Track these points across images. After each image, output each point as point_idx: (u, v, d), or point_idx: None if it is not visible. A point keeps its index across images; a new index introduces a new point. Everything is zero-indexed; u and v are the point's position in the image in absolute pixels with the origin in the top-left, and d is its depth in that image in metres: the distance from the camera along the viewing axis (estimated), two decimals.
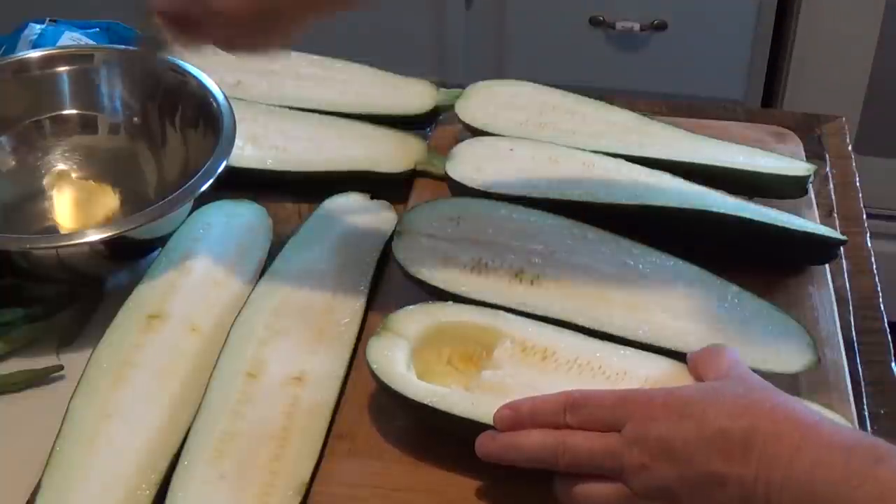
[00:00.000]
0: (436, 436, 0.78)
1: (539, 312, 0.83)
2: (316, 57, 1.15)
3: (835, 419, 0.71)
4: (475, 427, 0.73)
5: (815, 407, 0.73)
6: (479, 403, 0.75)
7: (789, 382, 0.81)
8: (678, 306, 0.85)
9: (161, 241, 0.93)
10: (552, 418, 0.71)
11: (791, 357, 0.81)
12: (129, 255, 0.95)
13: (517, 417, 0.72)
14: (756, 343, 0.82)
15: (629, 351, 0.80)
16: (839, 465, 0.61)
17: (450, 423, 0.76)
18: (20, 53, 1.07)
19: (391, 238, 0.92)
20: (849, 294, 0.94)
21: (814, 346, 0.82)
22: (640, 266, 0.88)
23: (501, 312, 0.82)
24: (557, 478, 0.72)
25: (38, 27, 1.18)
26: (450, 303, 0.82)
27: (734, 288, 0.86)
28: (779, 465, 0.63)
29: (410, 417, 0.80)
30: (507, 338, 0.80)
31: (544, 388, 0.75)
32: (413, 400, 0.76)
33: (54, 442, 0.78)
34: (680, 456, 0.66)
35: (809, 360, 0.81)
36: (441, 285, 0.85)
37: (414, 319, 0.81)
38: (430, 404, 0.76)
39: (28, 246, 0.88)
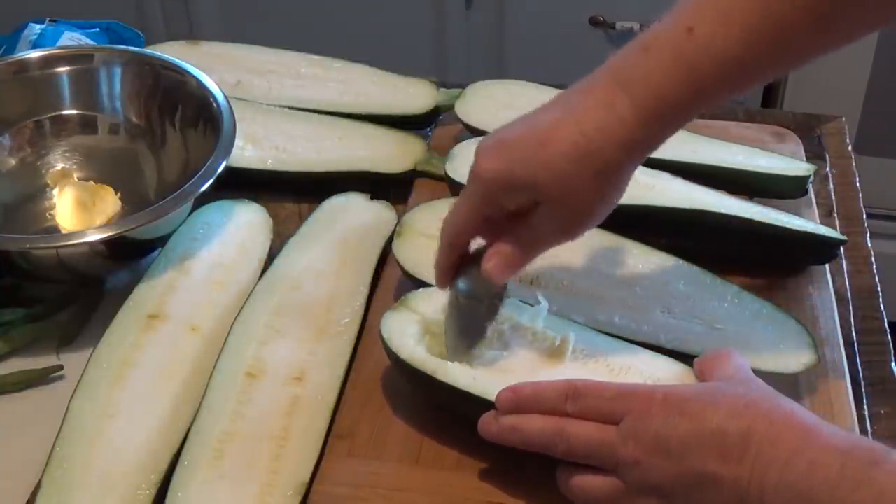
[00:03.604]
0: (442, 415, 0.79)
1: None
2: (316, 57, 1.15)
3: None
4: (476, 402, 0.74)
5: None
6: (480, 379, 0.76)
7: (789, 382, 0.81)
8: (678, 306, 0.85)
9: (161, 241, 0.93)
10: (553, 405, 0.71)
11: (791, 357, 0.81)
12: (129, 255, 0.95)
13: (518, 400, 0.72)
14: (756, 343, 0.82)
15: (637, 349, 0.80)
16: (835, 467, 0.61)
17: (453, 397, 0.76)
18: (20, 53, 1.07)
19: (391, 238, 0.92)
20: (849, 294, 0.94)
21: (814, 346, 0.82)
22: (640, 266, 0.88)
23: (519, 303, 0.82)
24: (559, 467, 0.72)
25: (38, 27, 1.18)
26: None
27: (734, 288, 0.86)
28: (775, 466, 0.63)
29: (419, 392, 0.80)
30: (518, 323, 0.80)
31: (547, 375, 0.76)
32: (419, 371, 0.77)
33: (54, 442, 0.78)
34: (675, 454, 0.66)
35: (809, 360, 0.81)
36: None
37: (431, 299, 0.81)
38: (432, 375, 0.76)
39: (28, 246, 0.88)
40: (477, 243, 0.77)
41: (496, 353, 0.79)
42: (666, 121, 0.69)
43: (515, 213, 0.73)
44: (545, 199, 0.71)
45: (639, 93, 0.68)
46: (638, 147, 0.70)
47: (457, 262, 0.77)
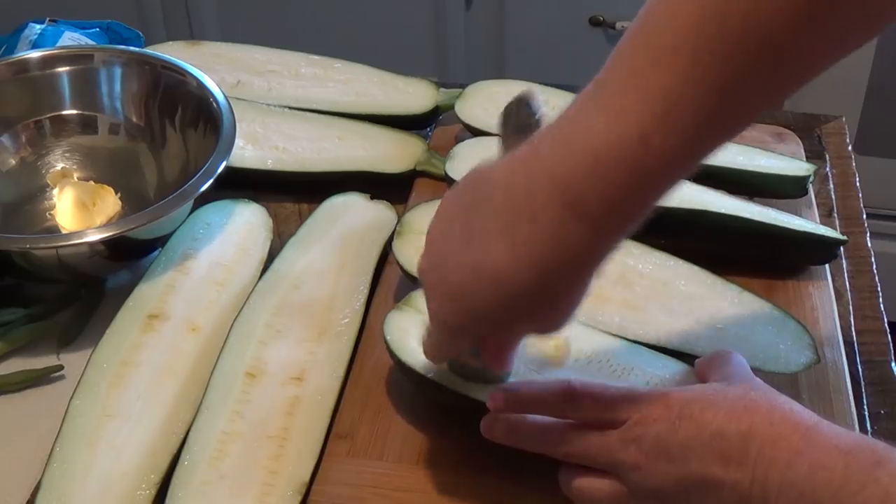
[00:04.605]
0: (443, 415, 0.79)
1: None
2: (316, 57, 1.15)
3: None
4: (478, 403, 0.74)
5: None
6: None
7: (789, 382, 0.81)
8: (679, 307, 0.85)
9: (161, 241, 0.93)
10: (550, 406, 0.71)
11: (791, 357, 0.81)
12: (129, 255, 0.95)
13: (510, 401, 0.72)
14: (756, 343, 0.82)
15: (639, 349, 0.80)
16: (839, 468, 0.60)
17: (455, 398, 0.76)
18: (20, 53, 1.07)
19: (391, 238, 0.92)
20: (849, 294, 0.94)
21: (814, 346, 0.82)
22: (640, 266, 0.88)
23: None
24: (561, 468, 0.72)
25: (38, 27, 1.18)
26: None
27: (735, 288, 0.86)
28: (776, 468, 0.62)
29: (420, 392, 0.81)
30: None
31: (549, 375, 0.76)
32: (420, 374, 0.77)
33: (54, 442, 0.78)
34: (676, 457, 0.66)
35: (809, 360, 0.81)
36: None
37: None
38: (434, 379, 0.77)
39: (28, 246, 0.88)
40: None
41: None
42: (623, 233, 0.63)
43: None
44: (514, 323, 0.68)
45: (594, 215, 0.60)
46: (595, 263, 0.64)
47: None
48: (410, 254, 0.88)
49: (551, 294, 0.64)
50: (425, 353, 0.75)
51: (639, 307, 0.85)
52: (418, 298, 0.82)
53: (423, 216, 0.91)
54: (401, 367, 0.79)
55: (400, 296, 0.87)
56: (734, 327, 0.84)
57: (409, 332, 0.79)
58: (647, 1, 0.59)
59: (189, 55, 1.10)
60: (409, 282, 0.88)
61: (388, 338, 0.79)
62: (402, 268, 0.89)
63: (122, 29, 1.22)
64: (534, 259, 0.61)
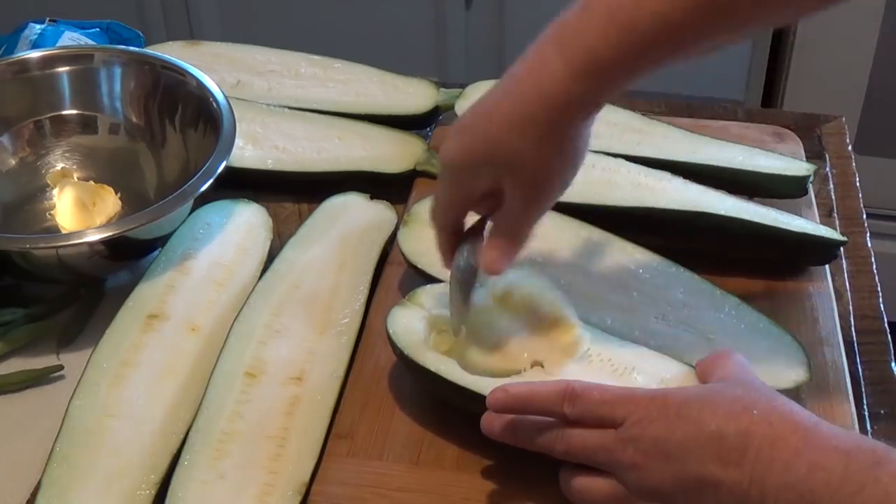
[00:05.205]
0: (443, 414, 0.79)
1: None
2: (316, 57, 1.15)
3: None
4: (481, 400, 0.74)
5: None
6: (486, 378, 0.76)
7: None
8: (673, 314, 0.85)
9: (161, 241, 0.93)
10: (549, 407, 0.71)
11: (783, 373, 0.80)
12: (129, 255, 0.95)
13: (510, 402, 0.72)
14: (749, 357, 0.80)
15: (642, 350, 0.80)
16: (838, 469, 0.60)
17: (457, 394, 0.76)
18: (20, 53, 1.07)
19: (391, 238, 0.92)
20: (849, 294, 0.94)
21: (807, 364, 0.80)
22: (640, 270, 0.88)
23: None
24: (562, 468, 0.72)
25: (38, 27, 1.18)
26: (477, 285, 0.82)
27: (733, 299, 0.85)
28: (775, 469, 0.62)
29: (423, 387, 0.81)
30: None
31: (553, 372, 0.76)
32: (424, 368, 0.77)
33: (54, 442, 0.78)
34: (674, 457, 0.66)
35: (800, 377, 0.80)
36: (443, 276, 0.85)
37: (438, 295, 0.82)
38: (436, 371, 0.77)
39: (28, 246, 0.88)
40: (472, 220, 0.79)
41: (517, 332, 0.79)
42: (602, 78, 0.68)
43: (492, 196, 0.75)
44: (502, 173, 0.73)
45: (571, 51, 0.68)
46: (575, 105, 0.70)
47: (454, 242, 0.79)
48: (415, 244, 0.88)
49: (525, 135, 0.70)
50: (432, 216, 0.78)
51: (633, 311, 0.85)
52: (422, 295, 0.82)
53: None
54: (403, 360, 0.79)
55: (401, 296, 0.87)
56: (728, 339, 0.82)
57: (412, 327, 0.79)
58: None
59: (189, 55, 1.10)
60: (410, 279, 0.88)
61: (390, 331, 0.79)
62: (405, 258, 0.89)
63: (122, 29, 1.22)
64: (517, 89, 0.70)
